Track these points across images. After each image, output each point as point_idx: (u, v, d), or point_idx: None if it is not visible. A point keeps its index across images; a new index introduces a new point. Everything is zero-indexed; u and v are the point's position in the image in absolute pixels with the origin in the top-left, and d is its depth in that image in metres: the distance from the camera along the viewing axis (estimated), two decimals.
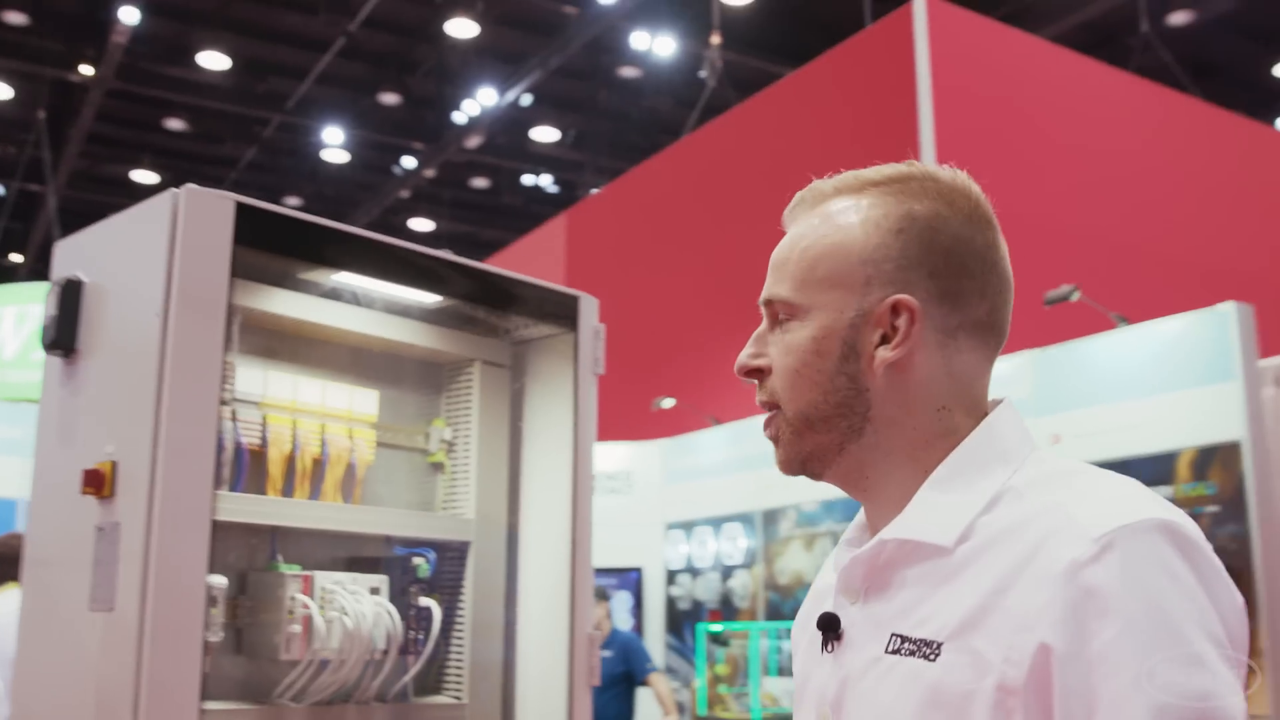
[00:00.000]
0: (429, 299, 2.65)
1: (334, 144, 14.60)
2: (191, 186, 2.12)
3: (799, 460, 1.22)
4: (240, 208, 2.14)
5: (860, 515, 1.27)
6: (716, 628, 6.72)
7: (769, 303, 1.24)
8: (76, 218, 2.37)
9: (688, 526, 7.82)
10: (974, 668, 1.05)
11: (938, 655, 1.08)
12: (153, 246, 2.10)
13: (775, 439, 1.23)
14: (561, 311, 2.72)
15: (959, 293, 1.18)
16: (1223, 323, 5.07)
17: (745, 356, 1.24)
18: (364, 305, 2.59)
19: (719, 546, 7.51)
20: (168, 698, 1.94)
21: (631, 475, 8.11)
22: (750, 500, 7.35)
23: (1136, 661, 0.98)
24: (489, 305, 2.70)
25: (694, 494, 7.85)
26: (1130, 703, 0.98)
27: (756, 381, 1.24)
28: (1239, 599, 1.07)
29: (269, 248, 2.26)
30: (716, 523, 7.57)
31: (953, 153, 7.13)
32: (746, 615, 7.14)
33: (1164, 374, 5.25)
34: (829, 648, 1.20)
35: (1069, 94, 8.01)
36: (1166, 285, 7.46)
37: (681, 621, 7.65)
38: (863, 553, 1.18)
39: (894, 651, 1.12)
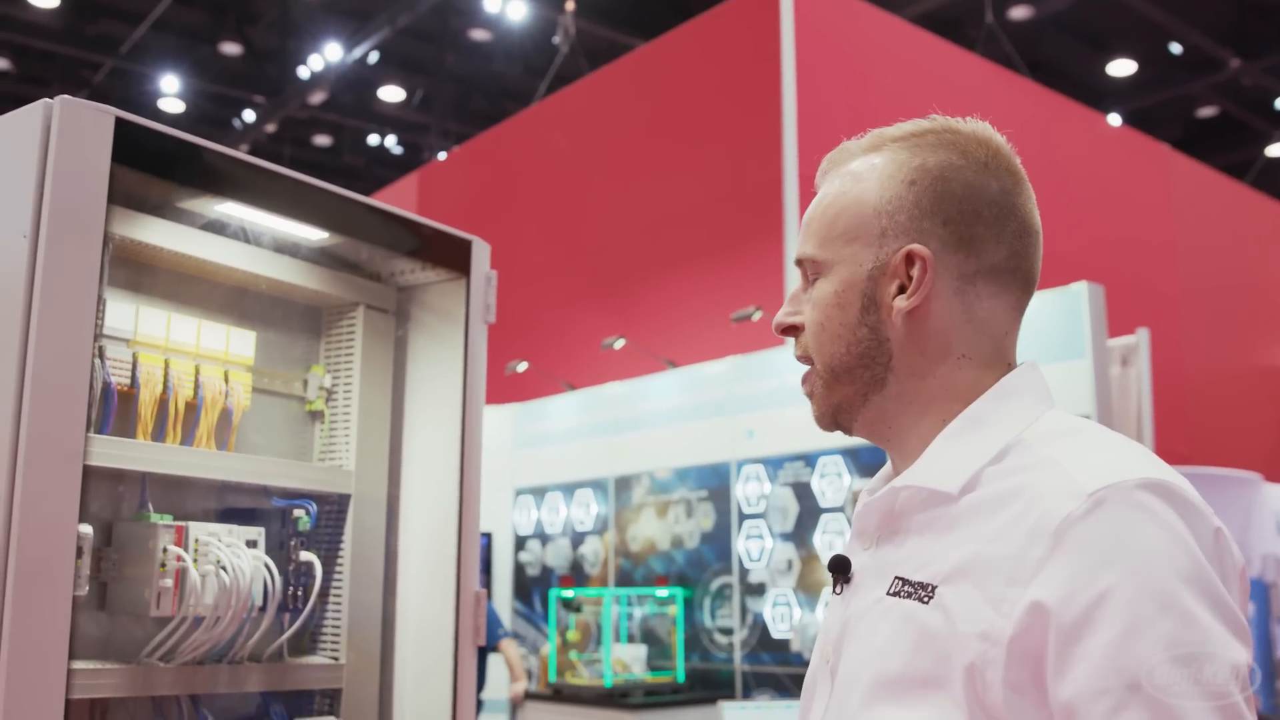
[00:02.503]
0: (313, 236, 2.50)
1: (170, 93, 13.97)
2: (66, 97, 1.93)
3: (830, 414, 1.27)
4: (120, 123, 1.96)
5: (886, 466, 1.31)
6: (569, 594, 6.66)
7: (799, 262, 1.27)
8: None
9: (538, 492, 7.74)
10: (961, 613, 1.07)
11: (931, 598, 1.10)
12: (20, 162, 1.90)
13: (810, 394, 1.28)
14: (451, 257, 2.60)
15: (974, 239, 1.20)
16: (1075, 302, 5.22)
17: (781, 314, 1.29)
18: (245, 240, 2.43)
19: (570, 512, 7.45)
20: (32, 656, 1.77)
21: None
22: (603, 466, 7.30)
23: (1124, 615, 0.99)
24: (378, 245, 2.56)
25: (545, 459, 7.77)
26: (1117, 656, 0.98)
27: (794, 338, 1.28)
28: (1239, 558, 1.08)
29: (150, 170, 2.08)
30: (568, 488, 7.51)
31: (814, 127, 7.20)
32: (597, 581, 7.10)
33: (1017, 350, 5.37)
34: (838, 590, 1.24)
35: (926, 74, 8.16)
36: None
37: (530, 587, 7.58)
38: (875, 499, 1.21)
39: (894, 594, 1.14)
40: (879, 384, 1.23)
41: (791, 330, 1.28)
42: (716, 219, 7.64)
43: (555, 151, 9.51)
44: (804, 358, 1.27)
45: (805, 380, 1.28)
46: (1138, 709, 0.97)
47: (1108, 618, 0.99)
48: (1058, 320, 5.25)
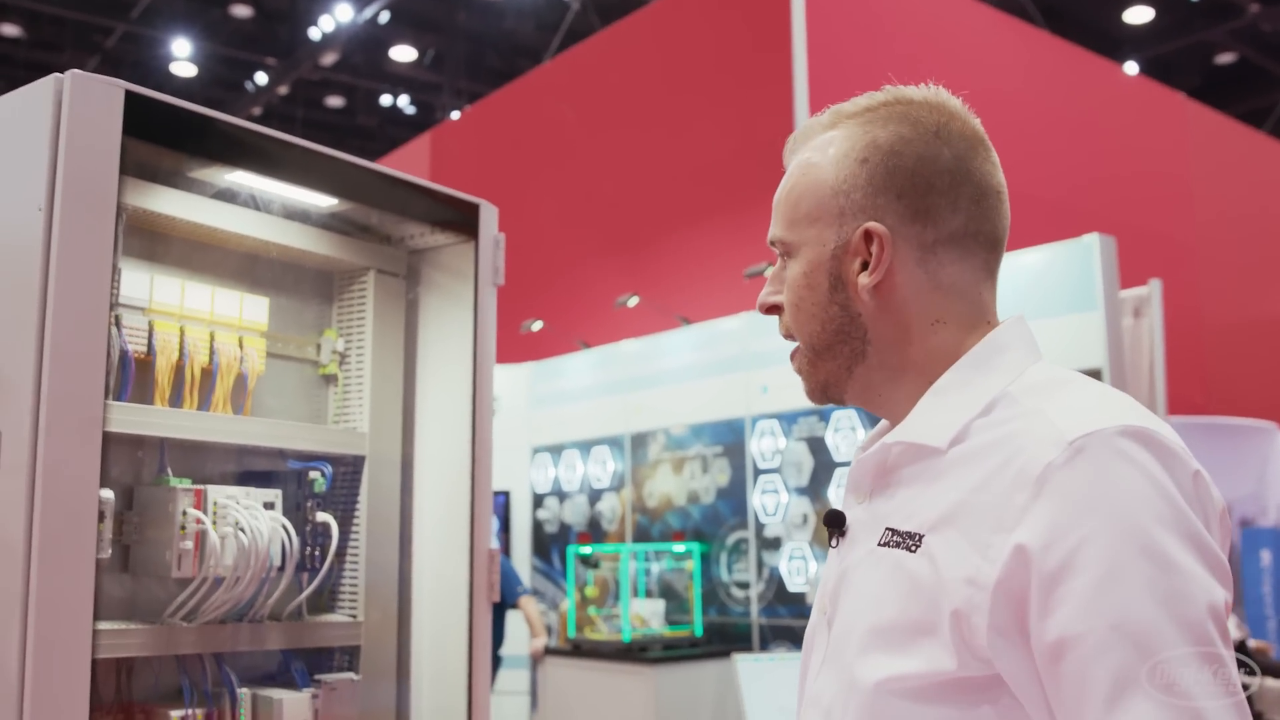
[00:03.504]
0: (323, 203, 2.53)
1: (182, 56, 13.97)
2: (77, 72, 1.96)
3: (820, 389, 1.31)
4: (130, 96, 1.99)
5: (881, 423, 1.34)
6: (586, 550, 6.73)
7: (771, 243, 1.31)
8: None
9: (555, 450, 7.80)
10: (947, 559, 1.10)
11: (919, 547, 1.13)
12: (33, 137, 1.94)
13: (799, 371, 1.31)
14: (460, 220, 2.63)
15: (929, 209, 1.23)
16: (1086, 254, 5.21)
17: (763, 294, 1.32)
18: (256, 208, 2.47)
19: (587, 470, 7.51)
20: (59, 618, 1.83)
21: (498, 399, 8.04)
22: (618, 424, 7.35)
23: (1104, 558, 1.01)
24: (387, 210, 2.59)
25: (562, 417, 7.82)
26: (1097, 599, 1.01)
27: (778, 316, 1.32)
28: (1219, 500, 1.10)
29: (160, 141, 2.12)
30: (585, 446, 7.56)
31: (825, 82, 7.18)
32: (614, 538, 7.17)
33: (1028, 304, 5.37)
34: (834, 543, 1.28)
35: (939, 25, 8.11)
36: (1030, 217, 7.65)
37: (548, 545, 7.65)
38: (868, 455, 1.24)
39: (884, 544, 1.18)
40: (860, 356, 1.26)
41: (774, 309, 1.32)
42: (729, 174, 7.64)
43: (568, 109, 9.50)
44: (789, 335, 1.31)
45: (793, 357, 1.32)
46: (1120, 649, 1.00)
47: (1089, 561, 1.02)
48: (1069, 272, 5.25)
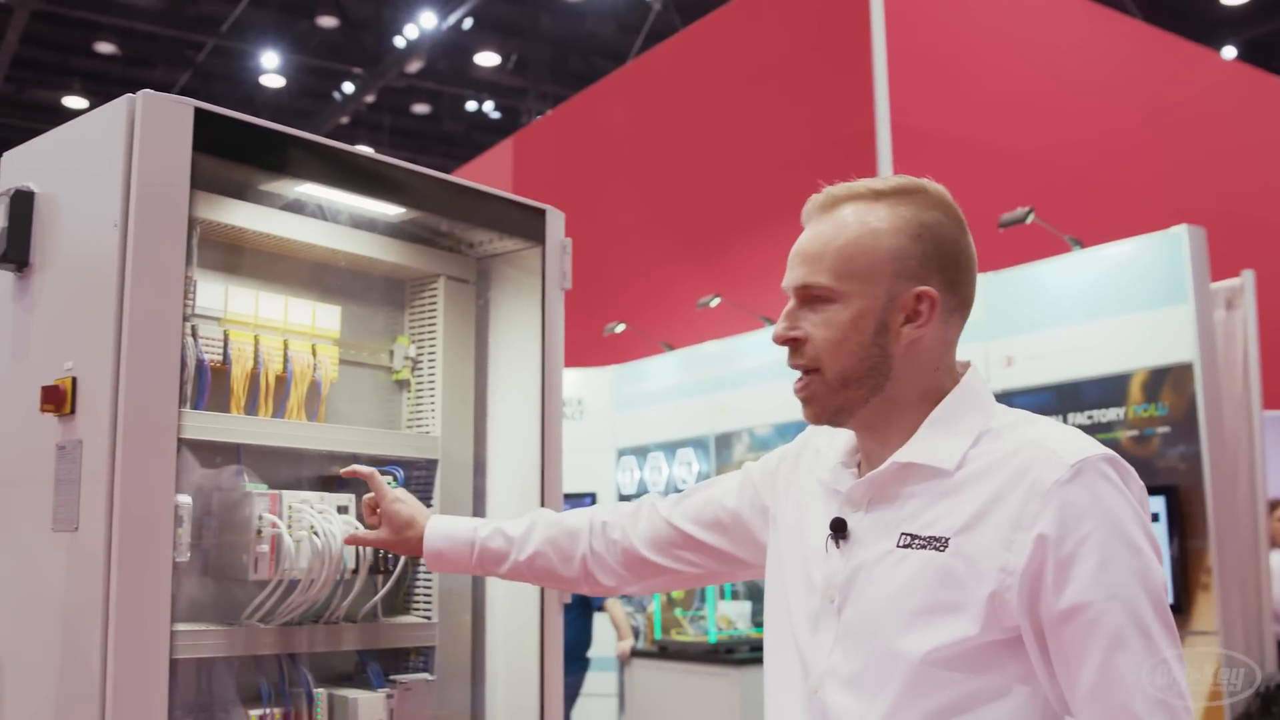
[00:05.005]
0: (393, 212, 2.58)
1: (270, 69, 14.26)
2: (148, 92, 2.03)
3: (831, 413, 1.60)
4: (199, 113, 2.05)
5: (844, 444, 1.68)
6: None
7: (806, 287, 1.58)
8: (3, 145, 2.31)
9: (640, 452, 7.82)
10: (978, 554, 1.46)
11: (946, 547, 1.48)
12: (108, 155, 2.00)
13: (810, 398, 1.60)
14: (528, 226, 2.66)
15: (956, 282, 1.59)
16: (1176, 245, 5.10)
17: (783, 329, 1.60)
18: (326, 218, 2.52)
19: (672, 471, 7.52)
20: (138, 619, 1.89)
21: (583, 401, 8.09)
22: (703, 425, 7.35)
23: (1101, 549, 1.41)
24: (454, 219, 2.63)
25: (646, 419, 7.84)
26: (1098, 577, 1.41)
27: (789, 349, 1.60)
28: (1148, 505, 1.52)
29: (229, 156, 2.17)
30: (669, 448, 7.58)
31: (907, 78, 7.11)
32: None
33: (1117, 296, 5.28)
34: (838, 545, 1.59)
35: (1024, 16, 7.98)
36: (1121, 208, 7.51)
37: None
38: (879, 473, 1.57)
39: (905, 546, 1.51)
40: (878, 389, 1.57)
41: (793, 342, 1.59)
42: (808, 173, 7.56)
43: (649, 110, 9.52)
44: (804, 366, 1.59)
45: (804, 386, 1.60)
46: (1115, 613, 1.40)
47: (1089, 551, 1.41)
48: (1157, 265, 5.14)
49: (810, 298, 1.58)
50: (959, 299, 1.58)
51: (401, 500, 2.12)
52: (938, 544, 1.48)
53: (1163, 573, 1.45)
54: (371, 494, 2.15)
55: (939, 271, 1.55)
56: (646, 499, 2.02)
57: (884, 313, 1.54)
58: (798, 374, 1.62)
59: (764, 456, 1.93)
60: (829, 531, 1.59)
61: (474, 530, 2.06)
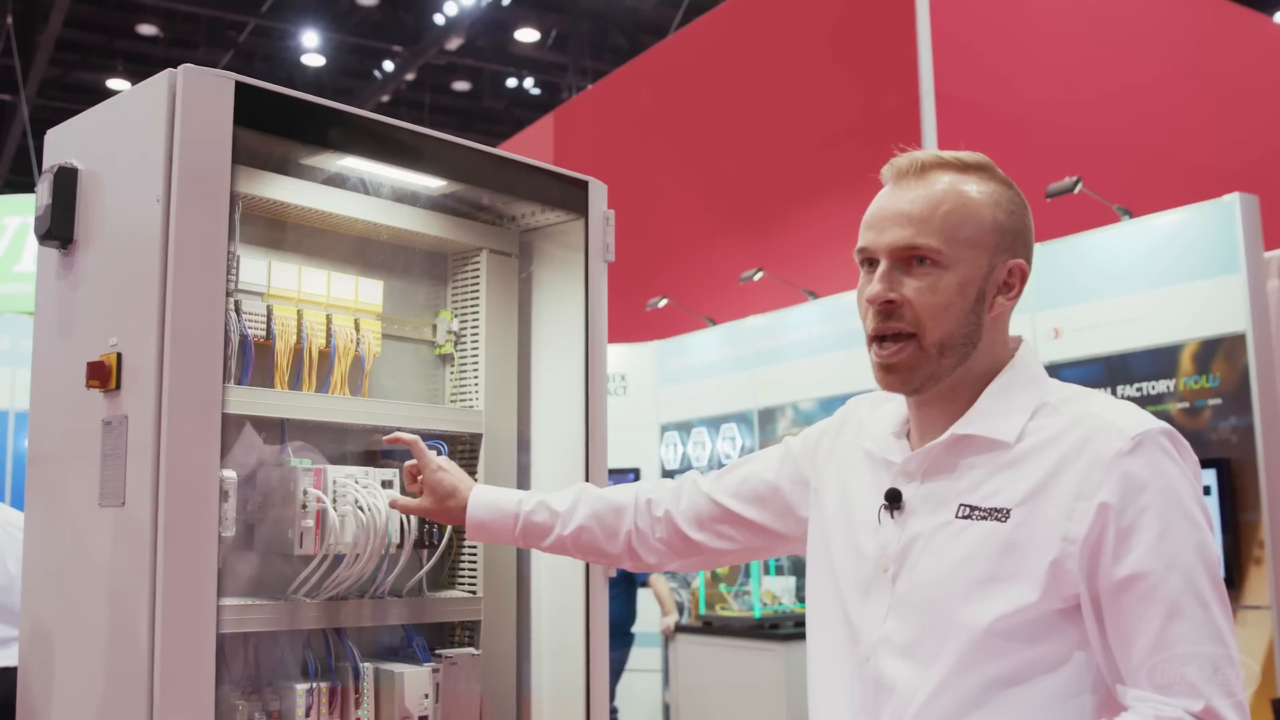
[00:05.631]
0: (434, 185, 2.56)
1: (310, 48, 14.31)
2: (189, 66, 2.01)
3: (920, 379, 1.59)
4: (240, 88, 2.04)
5: (893, 415, 1.70)
6: None
7: (912, 247, 1.56)
8: (49, 127, 2.32)
9: (684, 427, 7.80)
10: (1041, 524, 1.48)
11: (1008, 518, 1.50)
12: (150, 131, 1.99)
13: (902, 364, 1.58)
14: (570, 198, 2.64)
15: (1029, 259, 1.64)
16: (1227, 214, 5.01)
17: (883, 289, 1.57)
18: (368, 193, 2.51)
19: (716, 446, 7.50)
20: (185, 593, 1.89)
21: (626, 377, 8.08)
22: (746, 399, 7.32)
23: (1161, 520, 1.44)
24: (496, 191, 2.61)
25: (690, 394, 7.82)
26: (1157, 547, 1.43)
27: (882, 313, 1.58)
28: (1201, 479, 1.54)
29: (271, 130, 2.16)
30: (713, 423, 7.55)
31: (951, 48, 7.02)
32: None
33: (1167, 267, 5.19)
34: (892, 516, 1.61)
35: None
36: (1170, 177, 7.39)
37: None
38: (937, 444, 1.59)
39: (964, 517, 1.54)
40: (965, 358, 1.59)
41: (892, 304, 1.57)
42: (852, 146, 7.53)
43: (690, 84, 9.46)
44: (905, 330, 1.57)
45: (898, 351, 1.57)
46: (1172, 581, 1.42)
47: (1150, 521, 1.44)
48: (1208, 234, 5.05)
49: (911, 260, 1.57)
50: (1027, 274, 1.63)
51: (444, 469, 2.13)
52: (999, 515, 1.50)
53: (1213, 541, 1.48)
54: (413, 461, 2.15)
55: (1024, 246, 1.61)
56: (688, 476, 2.04)
57: (984, 282, 1.57)
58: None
59: (804, 431, 1.93)
60: (883, 502, 1.61)
61: (518, 502, 2.06)
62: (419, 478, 2.15)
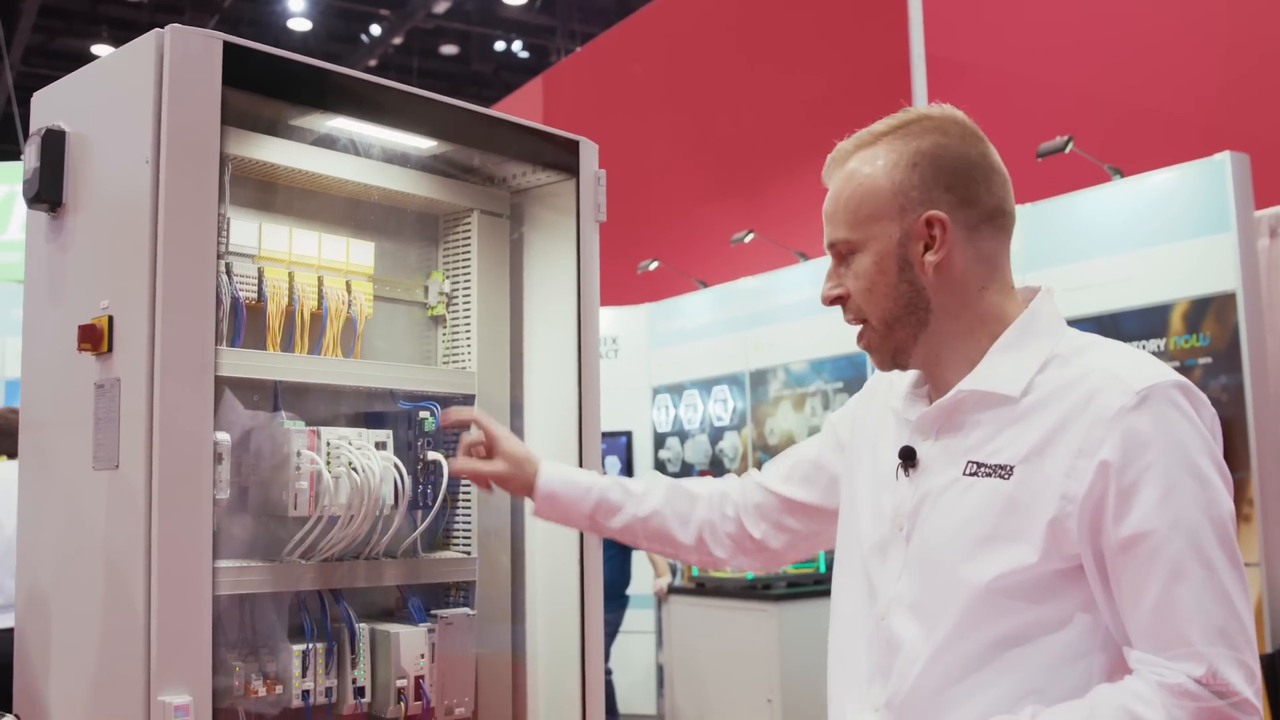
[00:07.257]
0: (424, 145, 2.55)
1: (297, 12, 14.19)
2: (176, 26, 2.00)
3: (890, 356, 1.63)
4: (229, 48, 2.02)
5: (911, 377, 1.68)
6: None
7: (833, 245, 1.62)
8: (34, 94, 2.30)
9: (675, 390, 7.81)
10: (1042, 482, 1.46)
11: (1011, 475, 1.48)
12: (138, 91, 1.98)
13: (869, 347, 1.63)
14: (561, 157, 2.63)
15: (971, 196, 1.57)
16: (1218, 173, 5.01)
17: (827, 289, 1.64)
18: (359, 153, 2.49)
19: (708, 409, 7.51)
20: (180, 556, 1.89)
21: (618, 340, 8.08)
22: (738, 362, 7.33)
23: (1165, 478, 1.40)
24: (487, 151, 2.60)
25: (681, 357, 7.83)
26: (1161, 507, 1.39)
27: (841, 308, 1.64)
28: (1221, 434, 1.49)
29: (260, 91, 2.15)
30: (705, 385, 7.56)
31: (941, 7, 6.98)
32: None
33: (1158, 226, 5.20)
34: (906, 473, 1.60)
35: None
36: (1161, 136, 7.37)
37: None
38: (945, 401, 1.57)
39: (971, 474, 1.52)
40: (924, 324, 1.58)
41: (839, 300, 1.63)
42: (843, 108, 7.50)
43: (680, 46, 9.41)
44: (856, 320, 1.62)
45: (861, 337, 1.63)
46: (1177, 541, 1.39)
47: (1155, 479, 1.40)
48: (1198, 193, 5.06)
49: (840, 254, 1.62)
50: (980, 211, 1.57)
51: (513, 438, 2.07)
52: (1003, 472, 1.48)
53: (1230, 503, 1.42)
54: (470, 436, 2.07)
55: (946, 191, 1.56)
56: (749, 473, 2.01)
57: (901, 248, 1.56)
58: (828, 309, 1.66)
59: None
60: (898, 460, 1.61)
61: (593, 479, 2.02)
62: (472, 452, 2.06)
